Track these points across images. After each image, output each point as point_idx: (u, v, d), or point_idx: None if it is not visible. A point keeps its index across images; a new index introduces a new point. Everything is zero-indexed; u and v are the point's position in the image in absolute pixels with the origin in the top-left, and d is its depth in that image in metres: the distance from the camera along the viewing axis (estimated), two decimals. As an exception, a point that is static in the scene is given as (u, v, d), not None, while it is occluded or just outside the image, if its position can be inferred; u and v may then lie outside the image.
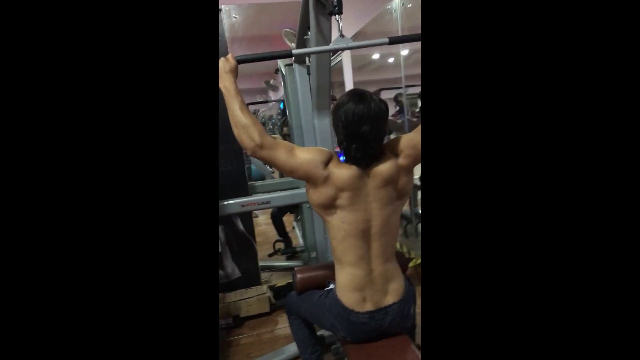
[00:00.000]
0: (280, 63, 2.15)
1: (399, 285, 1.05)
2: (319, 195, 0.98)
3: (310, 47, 1.36)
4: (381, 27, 2.84)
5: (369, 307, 1.02)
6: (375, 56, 3.83)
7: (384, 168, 0.97)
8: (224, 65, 0.96)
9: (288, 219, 3.48)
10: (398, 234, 1.07)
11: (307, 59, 1.54)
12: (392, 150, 1.00)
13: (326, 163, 0.96)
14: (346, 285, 1.03)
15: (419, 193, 2.77)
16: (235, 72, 0.98)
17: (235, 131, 0.93)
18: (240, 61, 1.00)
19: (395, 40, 1.08)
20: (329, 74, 1.36)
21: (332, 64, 3.65)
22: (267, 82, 5.67)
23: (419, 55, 2.84)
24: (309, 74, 1.55)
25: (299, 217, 2.76)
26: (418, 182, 2.79)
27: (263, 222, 3.79)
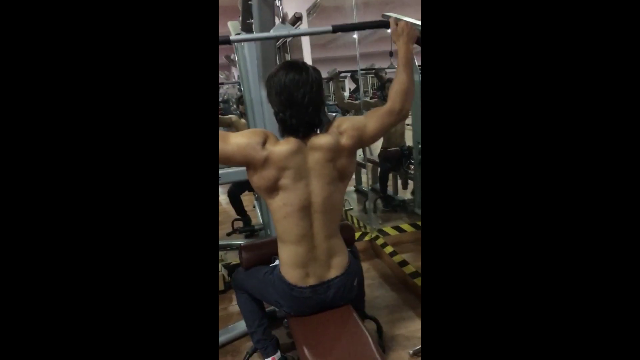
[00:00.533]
0: (232, 32, 2.04)
1: (342, 259, 1.06)
2: (261, 178, 0.95)
3: (253, 11, 1.29)
4: (337, -1, 2.75)
5: (311, 281, 1.02)
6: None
7: (324, 141, 0.95)
8: None
9: (250, 198, 3.43)
10: (341, 211, 1.07)
11: (253, 27, 1.47)
12: (336, 129, 0.99)
13: (263, 144, 0.93)
14: (289, 263, 1.02)
15: (379, 170, 2.80)
16: None
17: None
18: None
19: (338, 29, 1.06)
20: (274, 42, 1.30)
21: (289, 39, 3.53)
22: (228, 57, 5.43)
23: (383, 31, 2.78)
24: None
25: (257, 195, 2.72)
26: (377, 159, 2.83)
27: (224, 202, 3.71)
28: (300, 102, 0.91)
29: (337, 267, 1.04)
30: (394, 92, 0.99)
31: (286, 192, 0.95)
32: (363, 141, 1.01)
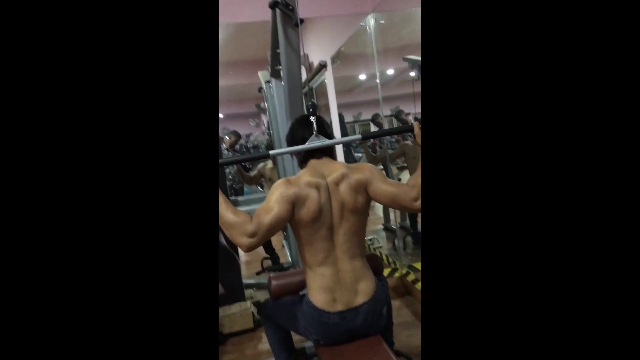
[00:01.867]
0: (262, 80, 2.22)
1: (368, 284, 1.06)
2: (307, 210, 1.00)
3: (281, 59, 1.42)
4: (358, 47, 2.93)
5: (339, 307, 1.03)
6: (362, 77, 3.92)
7: (338, 166, 1.06)
8: None
9: (279, 238, 3.47)
10: (364, 235, 1.09)
11: (281, 73, 1.60)
12: (353, 167, 1.07)
13: (288, 184, 1.00)
14: (316, 287, 1.04)
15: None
16: None
17: (227, 233, 0.95)
18: (220, 164, 1.09)
19: (367, 137, 1.23)
20: (299, 83, 1.41)
21: (315, 84, 3.74)
22: (258, 106, 5.77)
23: (405, 75, 2.89)
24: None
25: (285, 234, 2.75)
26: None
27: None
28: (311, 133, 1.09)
29: (363, 292, 1.04)
30: (415, 183, 1.00)
31: (315, 223, 1.01)
32: (366, 191, 1.04)
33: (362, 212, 1.06)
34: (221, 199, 0.95)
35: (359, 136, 1.16)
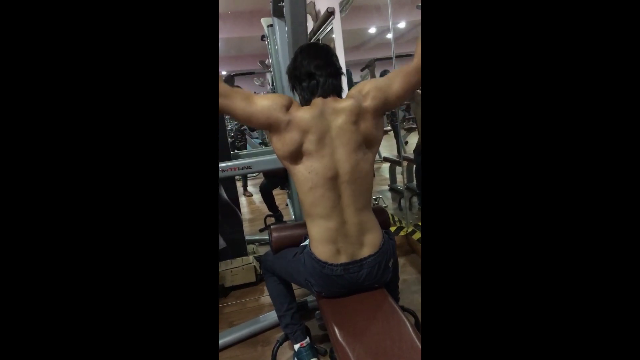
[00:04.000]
0: (265, 26, 2.06)
1: (375, 237, 0.99)
2: (284, 142, 0.93)
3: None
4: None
5: (343, 259, 0.96)
6: (372, 30, 3.68)
7: (346, 104, 0.94)
8: None
9: (283, 197, 3.43)
10: (372, 184, 1.00)
11: (284, 10, 1.45)
12: (358, 92, 0.96)
13: (287, 107, 0.93)
14: (319, 238, 0.97)
15: (414, 166, 2.69)
16: None
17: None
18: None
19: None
20: (304, 18, 1.28)
21: (322, 36, 3.52)
22: (262, 62, 5.53)
23: (419, 31, 2.68)
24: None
25: (289, 191, 2.70)
26: (412, 156, 2.72)
27: (257, 200, 3.74)
28: (321, 69, 0.96)
29: (370, 245, 0.98)
30: (416, 52, 0.92)
31: (310, 159, 0.93)
32: (388, 102, 0.96)
33: (373, 144, 0.97)
34: None
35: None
